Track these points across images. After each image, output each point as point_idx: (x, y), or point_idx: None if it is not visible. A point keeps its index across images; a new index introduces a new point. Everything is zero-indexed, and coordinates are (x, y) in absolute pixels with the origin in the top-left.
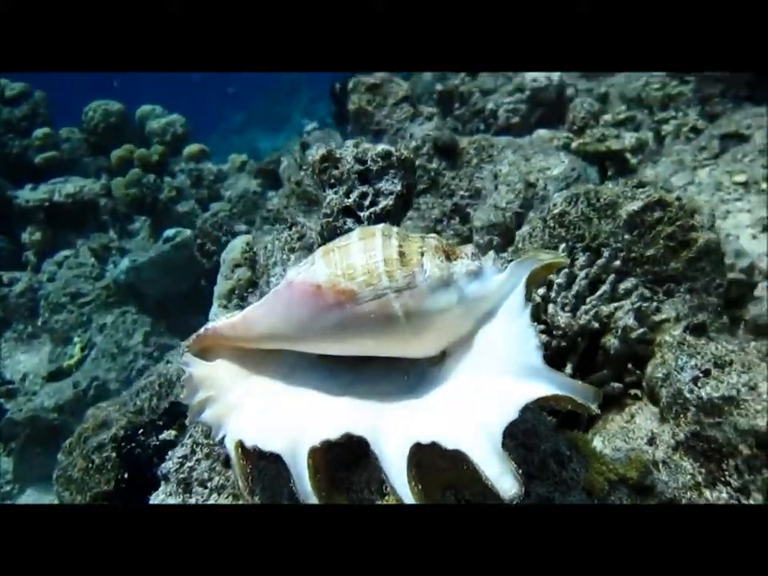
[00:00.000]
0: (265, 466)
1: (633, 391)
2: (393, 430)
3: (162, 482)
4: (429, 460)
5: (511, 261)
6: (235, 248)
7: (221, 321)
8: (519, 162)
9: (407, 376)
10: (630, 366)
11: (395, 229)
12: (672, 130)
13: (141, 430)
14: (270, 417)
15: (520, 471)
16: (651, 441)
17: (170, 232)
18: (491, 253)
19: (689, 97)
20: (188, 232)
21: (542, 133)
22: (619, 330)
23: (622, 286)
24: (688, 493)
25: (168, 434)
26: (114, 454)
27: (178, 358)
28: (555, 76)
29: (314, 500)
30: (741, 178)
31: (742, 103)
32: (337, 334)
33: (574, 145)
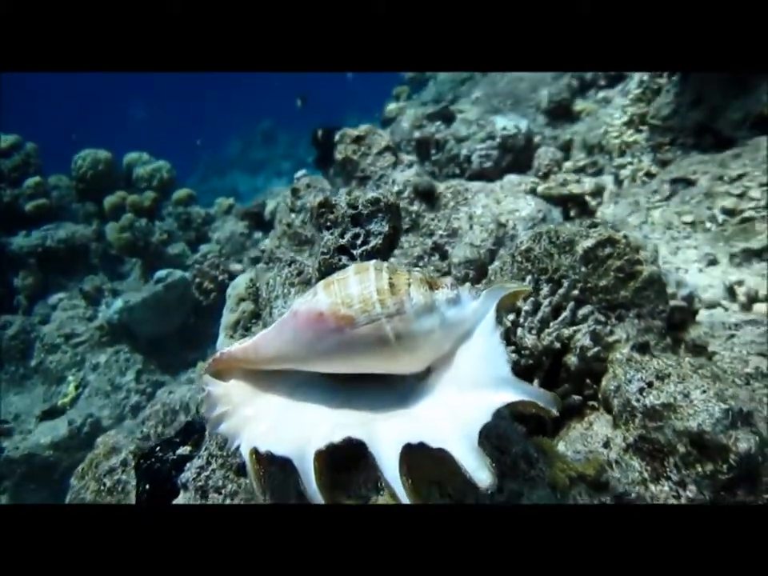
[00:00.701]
0: (274, 472)
1: (591, 403)
2: (387, 433)
3: (182, 491)
4: (417, 461)
5: (484, 290)
6: (239, 284)
7: (234, 346)
8: (491, 204)
9: (396, 391)
10: (588, 381)
11: (385, 264)
12: (629, 174)
13: (158, 447)
14: (279, 427)
15: (494, 465)
16: (606, 444)
17: (161, 273)
18: (467, 284)
19: (642, 145)
20: (179, 273)
21: (511, 178)
22: (578, 350)
23: (580, 312)
24: (636, 487)
25: (184, 450)
26: (124, 477)
27: (180, 388)
28: (523, 125)
29: (319, 499)
30: (688, 218)
31: (690, 151)
32: (337, 354)
33: (539, 189)
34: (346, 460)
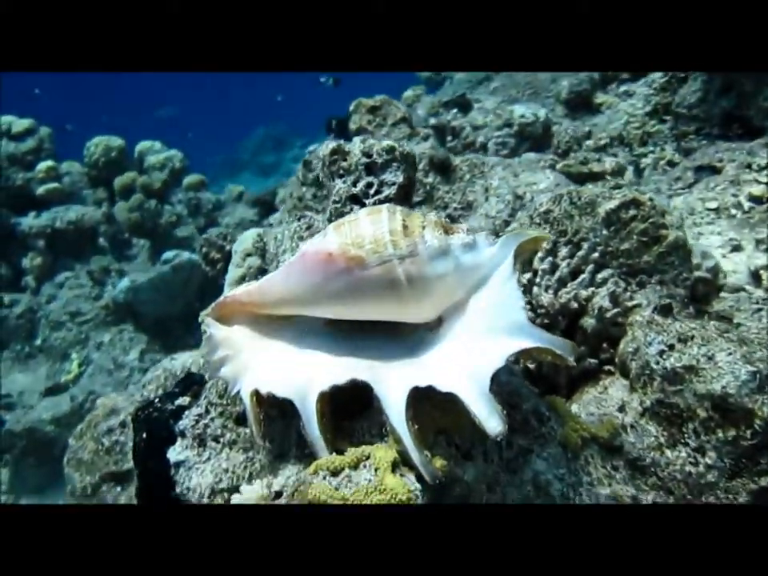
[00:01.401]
0: (275, 417)
1: (607, 367)
2: (394, 376)
3: (179, 438)
4: (424, 407)
5: (501, 236)
6: (246, 239)
7: (239, 289)
8: (509, 177)
9: (405, 341)
10: (604, 345)
11: (399, 207)
12: (650, 162)
13: (157, 399)
14: (282, 370)
15: (505, 412)
16: (621, 408)
17: (168, 254)
18: (484, 231)
19: (665, 134)
20: (186, 255)
21: (529, 155)
22: (596, 311)
23: (600, 276)
24: (652, 453)
25: (183, 400)
26: (122, 438)
27: (182, 354)
28: (542, 113)
29: (321, 444)
30: (713, 204)
31: (715, 140)
32: (345, 297)
33: (558, 166)
34: (351, 404)
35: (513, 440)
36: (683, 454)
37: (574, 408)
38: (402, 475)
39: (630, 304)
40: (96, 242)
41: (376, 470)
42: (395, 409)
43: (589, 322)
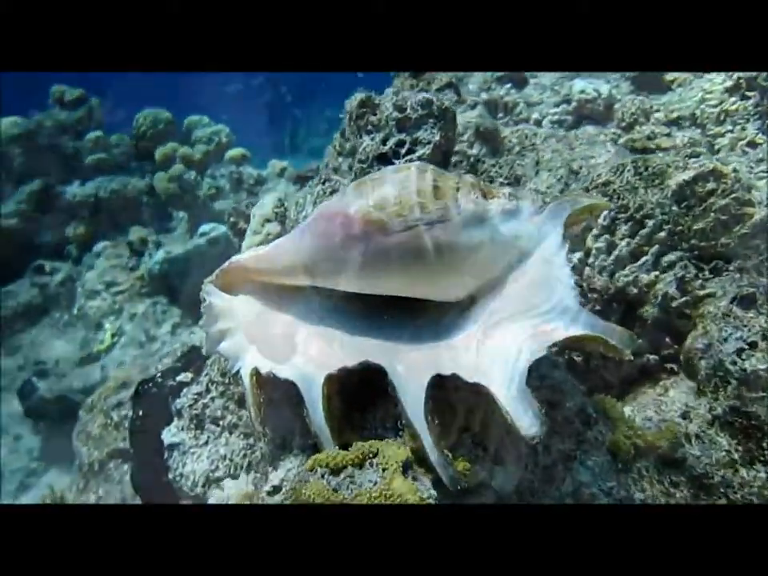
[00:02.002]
0: (277, 401)
1: (669, 365)
2: (412, 362)
3: (175, 418)
4: (446, 401)
5: (550, 203)
6: (266, 204)
7: (245, 254)
8: (563, 150)
9: (430, 321)
10: (667, 339)
11: (431, 166)
12: (727, 143)
13: (160, 374)
14: (286, 348)
15: (543, 411)
16: (685, 414)
17: (205, 227)
18: (530, 194)
19: (748, 112)
20: (223, 228)
21: (588, 128)
22: (659, 298)
23: (666, 259)
24: (722, 470)
25: (185, 376)
26: (132, 413)
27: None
28: (604, 89)
29: (326, 434)
30: None
31: None
32: (363, 267)
33: (621, 141)
34: (363, 391)
35: (551, 444)
36: (762, 474)
37: (627, 410)
38: (414, 478)
39: (701, 293)
40: (138, 212)
41: (384, 470)
42: (412, 399)
43: (650, 311)
